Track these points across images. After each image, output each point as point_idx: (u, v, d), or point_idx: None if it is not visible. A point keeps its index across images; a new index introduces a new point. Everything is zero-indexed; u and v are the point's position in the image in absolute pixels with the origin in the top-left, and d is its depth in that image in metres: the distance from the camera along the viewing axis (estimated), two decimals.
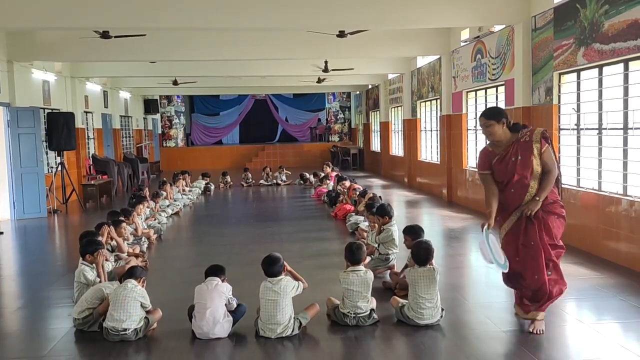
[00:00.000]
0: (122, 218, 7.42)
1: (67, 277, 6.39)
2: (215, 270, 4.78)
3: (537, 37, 8.49)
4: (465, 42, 11.26)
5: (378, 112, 20.14)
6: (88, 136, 15.89)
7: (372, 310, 4.78)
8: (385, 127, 18.97)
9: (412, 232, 5.62)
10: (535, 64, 8.58)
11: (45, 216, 11.39)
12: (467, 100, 11.79)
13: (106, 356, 4.28)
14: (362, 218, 8.73)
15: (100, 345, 4.46)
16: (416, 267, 4.86)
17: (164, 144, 26.84)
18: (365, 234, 7.59)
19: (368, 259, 6.29)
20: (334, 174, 14.64)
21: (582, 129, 7.64)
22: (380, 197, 8.98)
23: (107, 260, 5.65)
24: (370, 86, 21.47)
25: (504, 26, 9.61)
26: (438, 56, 12.98)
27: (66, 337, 4.70)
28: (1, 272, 7.56)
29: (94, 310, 4.74)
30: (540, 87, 8.44)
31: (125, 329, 4.48)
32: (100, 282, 5.19)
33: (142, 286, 4.75)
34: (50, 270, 7.32)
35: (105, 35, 9.67)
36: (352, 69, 14.89)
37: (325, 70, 14.54)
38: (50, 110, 12.94)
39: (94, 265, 5.27)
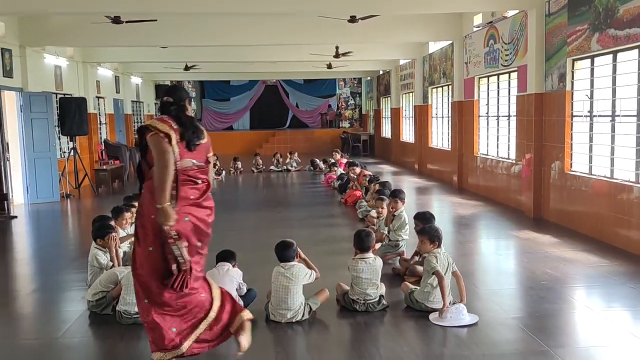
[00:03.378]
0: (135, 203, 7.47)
1: (80, 261, 6.47)
2: (226, 255, 4.83)
3: (551, 22, 8.38)
4: (478, 27, 11.15)
5: (389, 98, 20.05)
6: (100, 121, 15.98)
7: (381, 296, 4.81)
8: (396, 113, 18.89)
9: (424, 219, 5.61)
10: (549, 50, 8.48)
11: (58, 201, 11.51)
12: (479, 87, 11.70)
13: (119, 339, 4.35)
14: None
15: (113, 328, 4.53)
16: (437, 250, 4.82)
17: None
18: (375, 221, 7.60)
19: (378, 245, 6.31)
20: (343, 160, 14.64)
21: (595, 115, 7.57)
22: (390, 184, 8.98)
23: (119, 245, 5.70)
24: (381, 72, 21.35)
25: (517, 11, 9.50)
26: (450, 42, 12.86)
27: (80, 319, 4.78)
28: (15, 255, 7.68)
29: (108, 293, 4.81)
30: (554, 73, 8.36)
31: (137, 312, 4.54)
32: (114, 266, 5.25)
33: None
34: (63, 254, 7.42)
35: (116, 20, 9.69)
36: (351, 52, 14.69)
37: (336, 55, 14.46)
38: (62, 96, 13.01)
39: (106, 249, 5.32)
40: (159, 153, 3.48)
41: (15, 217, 9.91)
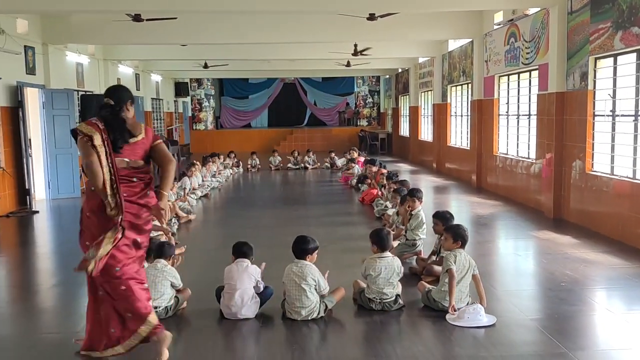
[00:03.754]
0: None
1: None
2: (246, 251, 4.81)
3: (573, 20, 8.26)
4: (499, 25, 11.03)
5: (407, 96, 19.95)
6: None
7: (397, 295, 4.79)
8: (414, 112, 18.80)
9: (443, 218, 5.58)
10: (570, 48, 8.36)
11: (79, 196, 11.66)
12: (499, 85, 11.59)
13: None
14: (389, 204, 8.70)
15: None
16: (458, 250, 4.78)
17: (194, 127, 27.14)
18: (391, 220, 7.58)
19: (395, 243, 6.29)
20: (361, 158, 14.61)
21: (617, 115, 7.45)
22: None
23: None
24: (400, 70, 21.25)
25: (538, 9, 9.38)
26: (470, 39, 12.76)
27: None
28: (37, 250, 7.81)
29: None
30: (575, 72, 8.24)
31: (156, 307, 4.59)
32: None
33: (173, 265, 4.85)
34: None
35: (137, 18, 9.78)
36: (369, 47, 14.64)
37: (355, 53, 14.43)
38: (83, 93, 13.18)
39: None
40: (83, 156, 3.65)
41: (37, 212, 10.08)
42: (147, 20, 10.03)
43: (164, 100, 21.92)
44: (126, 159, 3.72)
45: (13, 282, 6.17)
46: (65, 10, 9.97)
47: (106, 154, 3.62)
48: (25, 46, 10.83)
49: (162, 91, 21.72)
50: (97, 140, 3.62)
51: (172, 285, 4.73)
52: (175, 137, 22.09)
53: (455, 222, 5.54)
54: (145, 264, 4.97)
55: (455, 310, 4.50)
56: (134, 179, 3.71)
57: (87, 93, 13.30)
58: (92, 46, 13.97)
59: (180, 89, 24.14)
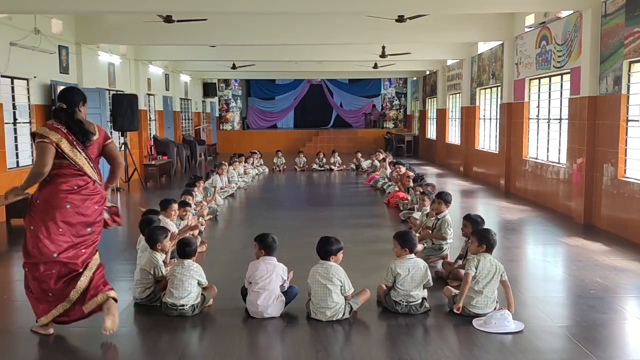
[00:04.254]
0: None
1: (129, 252, 6.67)
2: (273, 245, 4.80)
3: (607, 23, 8.10)
4: (530, 27, 10.88)
5: (435, 98, 19.80)
6: (150, 118, 16.41)
7: (423, 299, 4.76)
8: (442, 115, 18.65)
9: (474, 221, 5.50)
10: (604, 52, 8.20)
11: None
12: (529, 88, 11.42)
13: (164, 329, 4.46)
14: (415, 207, 8.64)
15: (159, 319, 4.65)
16: (483, 255, 4.73)
17: (221, 127, 27.39)
18: (417, 222, 7.53)
19: (420, 247, 6.24)
20: (388, 160, 14.54)
21: None
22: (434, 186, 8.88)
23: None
24: (428, 72, 21.11)
25: (571, 12, 9.22)
26: (500, 42, 12.61)
27: (127, 309, 4.92)
28: None
29: (155, 287, 4.94)
30: (608, 76, 8.07)
31: (183, 305, 4.66)
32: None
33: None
34: (112, 245, 7.65)
35: (168, 19, 9.93)
36: (409, 53, 14.65)
37: (383, 55, 14.39)
38: (115, 92, 13.42)
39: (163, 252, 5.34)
40: (38, 156, 4.14)
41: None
42: (178, 21, 10.17)
43: (192, 100, 22.18)
44: (84, 158, 4.20)
45: None
46: (98, 11, 10.17)
47: (80, 151, 4.14)
48: (59, 46, 11.08)
49: (191, 91, 21.98)
50: (64, 144, 4.10)
51: (199, 283, 4.79)
52: (202, 137, 22.33)
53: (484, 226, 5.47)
54: (174, 261, 5.06)
55: (459, 311, 4.55)
56: (81, 173, 4.20)
57: (118, 92, 13.54)
58: (124, 46, 14.22)
59: (208, 89, 24.39)
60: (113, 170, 4.57)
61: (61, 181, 4.13)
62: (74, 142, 4.13)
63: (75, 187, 4.16)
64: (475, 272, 4.61)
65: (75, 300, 4.20)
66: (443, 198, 6.54)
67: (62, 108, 4.23)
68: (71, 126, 4.15)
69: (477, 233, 4.89)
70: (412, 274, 4.73)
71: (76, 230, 4.18)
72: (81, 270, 4.21)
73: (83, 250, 4.22)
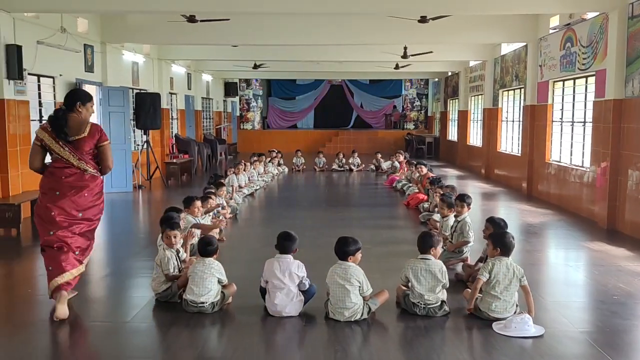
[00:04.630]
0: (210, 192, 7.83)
1: (150, 249, 6.75)
2: (287, 244, 4.82)
3: (634, 25, 7.97)
4: (555, 29, 10.75)
5: (457, 100, 19.66)
6: (172, 116, 16.58)
7: (443, 302, 4.73)
8: (463, 116, 18.51)
9: (496, 225, 5.44)
10: (630, 54, 8.06)
11: (131, 191, 12.03)
12: (553, 91, 11.28)
13: (184, 326, 4.51)
14: (435, 209, 8.59)
15: (179, 315, 4.70)
16: (500, 258, 4.69)
17: (242, 126, 27.55)
18: (437, 225, 7.48)
19: (440, 250, 6.19)
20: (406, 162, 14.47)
21: None
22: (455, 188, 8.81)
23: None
24: (449, 73, 20.97)
25: (597, 13, 9.08)
26: (524, 43, 12.47)
27: (148, 305, 4.98)
28: None
29: (173, 284, 5.00)
30: (635, 79, 7.94)
31: (203, 302, 4.71)
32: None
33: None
34: (134, 242, 7.77)
35: (191, 19, 10.02)
36: (431, 52, 14.55)
37: (404, 56, 14.33)
38: (138, 91, 13.59)
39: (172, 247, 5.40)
40: (31, 152, 4.87)
41: None
42: (201, 21, 10.26)
43: (213, 99, 22.35)
44: (69, 153, 4.73)
45: None
46: (124, 11, 10.31)
47: (62, 146, 4.69)
48: (84, 45, 11.25)
49: (212, 91, 22.15)
50: (49, 141, 4.70)
51: (219, 281, 4.83)
52: (223, 136, 22.49)
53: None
54: (194, 259, 5.11)
55: (470, 312, 4.61)
56: (72, 167, 4.75)
57: (142, 91, 13.71)
58: (148, 46, 14.39)
59: (230, 89, 24.56)
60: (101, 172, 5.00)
61: (52, 171, 4.78)
62: (55, 139, 4.71)
63: (64, 177, 4.74)
64: (490, 277, 4.58)
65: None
66: (464, 200, 6.50)
67: (58, 109, 4.84)
68: (53, 125, 4.71)
69: (493, 236, 4.85)
70: (425, 275, 4.70)
71: (67, 213, 4.73)
72: (77, 261, 4.82)
73: (76, 233, 4.80)
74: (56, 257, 4.71)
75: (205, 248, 4.94)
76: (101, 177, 4.99)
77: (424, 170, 11.04)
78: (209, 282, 4.74)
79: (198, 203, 6.74)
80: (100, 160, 4.89)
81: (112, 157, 5.00)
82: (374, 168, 16.72)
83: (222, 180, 9.38)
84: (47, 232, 4.72)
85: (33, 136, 9.58)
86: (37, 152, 4.79)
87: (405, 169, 13.43)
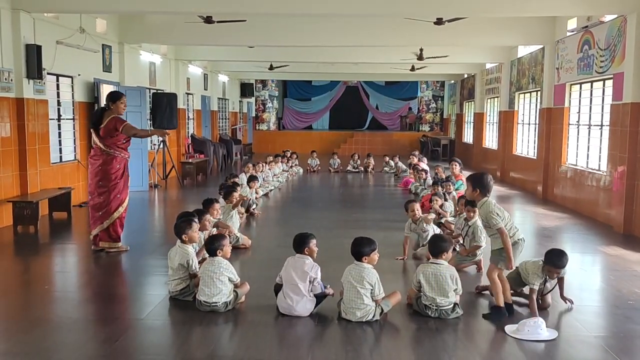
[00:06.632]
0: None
1: (165, 247, 6.79)
2: (297, 242, 4.84)
3: None
4: (572, 31, 10.66)
5: (473, 102, 19.57)
6: (188, 116, 16.71)
7: (455, 304, 4.72)
8: (479, 119, 18.41)
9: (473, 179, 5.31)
10: None
11: (147, 190, 12.15)
12: (570, 94, 11.19)
13: (197, 324, 4.56)
14: (448, 211, 8.54)
15: (193, 313, 4.75)
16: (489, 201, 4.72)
17: (257, 127, 27.67)
18: (452, 227, 7.46)
19: (451, 254, 6.16)
20: (421, 164, 14.41)
21: None
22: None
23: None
24: (466, 75, 20.88)
25: (615, 16, 9.00)
26: (541, 46, 12.38)
27: (162, 303, 5.04)
28: None
29: (190, 282, 5.05)
30: None
31: (215, 302, 4.75)
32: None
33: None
34: (150, 240, 7.85)
35: (208, 20, 10.11)
36: (446, 56, 14.54)
37: (420, 58, 14.30)
38: (155, 91, 13.72)
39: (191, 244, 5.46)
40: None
41: None
42: (218, 22, 10.34)
43: (229, 100, 22.48)
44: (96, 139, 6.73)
45: (83, 268, 6.52)
46: (142, 11, 10.44)
47: (92, 132, 6.79)
48: (103, 45, 11.40)
49: (228, 91, 22.28)
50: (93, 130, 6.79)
51: (230, 280, 4.85)
52: (238, 137, 22.60)
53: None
54: (207, 256, 5.16)
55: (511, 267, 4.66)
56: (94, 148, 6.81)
57: (159, 91, 13.84)
58: (165, 46, 14.53)
59: (246, 89, 24.69)
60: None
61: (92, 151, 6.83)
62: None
63: (93, 154, 6.72)
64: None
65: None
66: (474, 205, 6.44)
67: (106, 105, 6.77)
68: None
69: (471, 178, 4.81)
70: (437, 280, 4.69)
71: (95, 181, 6.67)
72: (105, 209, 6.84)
73: (102, 197, 6.74)
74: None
75: (209, 247, 5.00)
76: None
77: (457, 168, 11.00)
78: (220, 282, 4.77)
79: (217, 205, 6.80)
80: (130, 137, 6.85)
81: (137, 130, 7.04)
82: (389, 170, 16.64)
83: (254, 174, 9.44)
84: (89, 195, 7.06)
85: (52, 135, 9.79)
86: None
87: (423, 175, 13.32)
